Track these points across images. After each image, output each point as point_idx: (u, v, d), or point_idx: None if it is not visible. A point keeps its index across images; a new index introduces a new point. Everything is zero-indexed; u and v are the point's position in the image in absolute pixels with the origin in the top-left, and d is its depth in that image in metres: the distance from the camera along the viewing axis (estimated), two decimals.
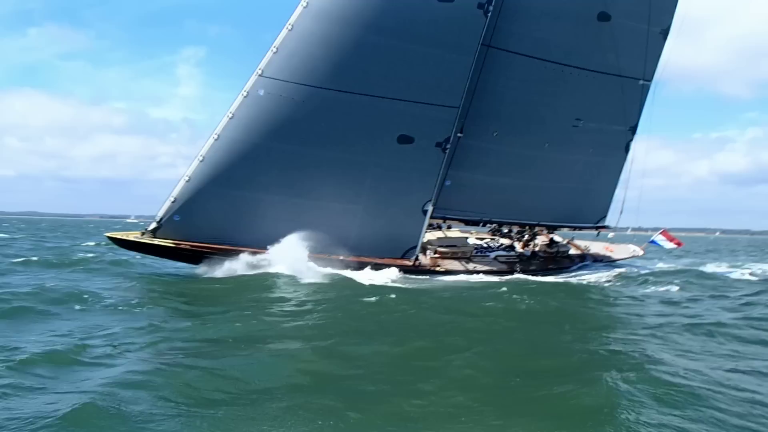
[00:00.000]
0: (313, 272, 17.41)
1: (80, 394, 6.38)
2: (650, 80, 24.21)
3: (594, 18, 22.07)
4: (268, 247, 17.93)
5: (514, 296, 15.55)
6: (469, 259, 22.17)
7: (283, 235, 18.43)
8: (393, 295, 14.19)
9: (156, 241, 18.20)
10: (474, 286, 18.72)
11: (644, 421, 6.00)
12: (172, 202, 18.00)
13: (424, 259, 21.24)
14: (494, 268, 22.13)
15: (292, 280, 16.48)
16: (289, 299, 13.78)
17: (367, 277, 18.29)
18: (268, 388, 6.96)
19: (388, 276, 18.98)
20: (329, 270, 18.21)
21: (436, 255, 21.64)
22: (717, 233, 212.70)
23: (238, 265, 17.74)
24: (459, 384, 7.34)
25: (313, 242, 18.19)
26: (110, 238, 18.96)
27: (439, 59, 18.95)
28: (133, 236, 18.47)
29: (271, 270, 17.51)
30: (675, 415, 6.23)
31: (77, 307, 12.19)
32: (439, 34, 18.72)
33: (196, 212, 18.05)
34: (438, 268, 21.06)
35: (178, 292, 15.02)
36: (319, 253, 18.36)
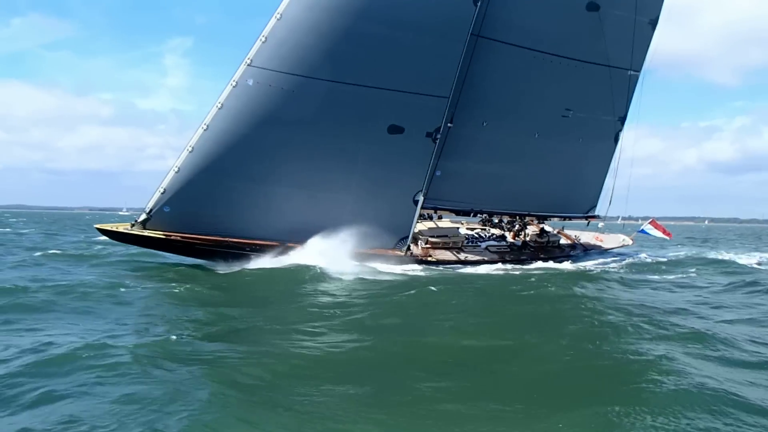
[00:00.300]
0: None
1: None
2: (639, 70, 24.36)
3: (583, 8, 22.13)
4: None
5: (548, 285, 15.79)
6: (460, 249, 22.22)
7: (273, 225, 18.42)
8: (433, 288, 14.02)
9: (146, 233, 18.10)
10: (493, 275, 18.99)
11: None
12: (162, 194, 17.89)
13: (416, 250, 21.26)
14: (485, 258, 22.19)
15: (320, 273, 16.45)
16: (327, 293, 13.66)
17: (377, 269, 18.44)
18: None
19: (396, 268, 19.07)
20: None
21: (428, 245, 21.66)
22: (706, 221, 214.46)
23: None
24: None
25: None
26: (100, 229, 18.84)
27: (429, 48, 18.93)
28: (123, 228, 18.38)
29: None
30: None
31: (125, 297, 12.55)
32: (429, 23, 18.69)
33: (185, 203, 17.94)
34: (429, 258, 21.09)
35: (215, 284, 15.23)
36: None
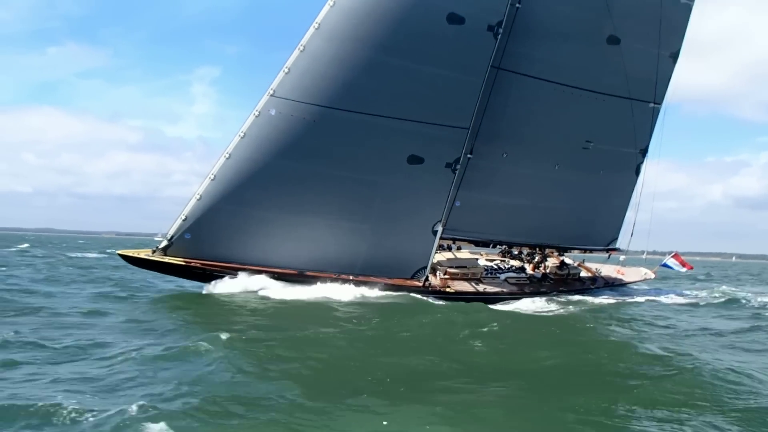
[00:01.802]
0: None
1: None
2: (660, 103, 24.28)
3: (603, 41, 22.22)
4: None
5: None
6: (479, 281, 22.05)
7: (292, 253, 18.52)
8: (495, 326, 13.58)
9: (167, 259, 18.30)
10: (540, 314, 18.44)
11: None
12: (183, 220, 18.13)
13: (434, 280, 21.15)
14: (504, 290, 22.00)
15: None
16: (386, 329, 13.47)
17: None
18: None
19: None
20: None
21: (446, 276, 21.55)
22: (733, 258, 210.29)
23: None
24: None
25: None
26: (122, 256, 19.08)
27: (449, 80, 19.09)
28: (144, 254, 18.59)
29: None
30: None
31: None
32: (450, 56, 18.88)
33: (206, 230, 18.15)
34: (448, 290, 20.96)
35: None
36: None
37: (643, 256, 28.62)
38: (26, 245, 66.32)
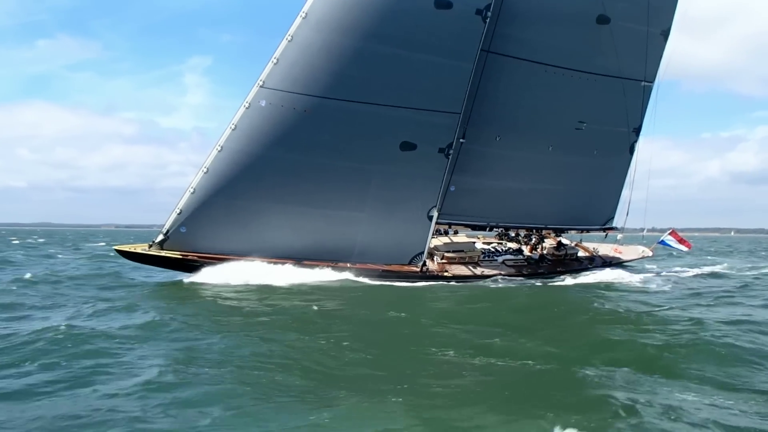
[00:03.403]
0: None
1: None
2: (652, 81, 24.26)
3: (593, 21, 22.18)
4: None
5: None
6: (476, 264, 22.17)
7: (289, 244, 18.61)
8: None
9: (164, 253, 18.41)
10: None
11: None
12: (178, 214, 18.22)
13: (432, 265, 21.27)
14: (502, 272, 22.11)
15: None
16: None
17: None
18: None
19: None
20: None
21: (444, 260, 21.66)
22: (732, 233, 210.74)
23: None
24: None
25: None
26: (119, 251, 19.19)
27: (439, 66, 19.10)
28: (140, 248, 18.70)
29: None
30: None
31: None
32: (438, 41, 18.88)
33: (201, 223, 18.25)
34: (446, 274, 21.09)
35: None
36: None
37: (643, 233, 28.71)
38: (40, 239, 67.82)
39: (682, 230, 31.22)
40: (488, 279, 21.11)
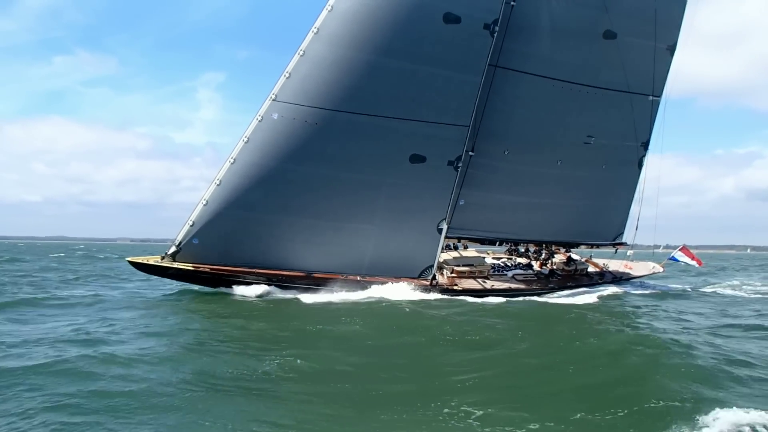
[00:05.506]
0: None
1: None
2: (660, 96, 24.42)
3: (599, 36, 22.45)
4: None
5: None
6: (486, 278, 22.16)
7: (299, 256, 18.72)
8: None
9: (176, 265, 18.55)
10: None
11: None
12: (191, 226, 18.41)
13: (441, 279, 21.29)
14: (512, 287, 22.08)
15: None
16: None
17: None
18: None
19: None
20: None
21: (453, 274, 21.68)
22: (748, 250, 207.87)
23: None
24: None
25: None
26: (132, 263, 19.35)
27: (448, 79, 19.35)
28: (153, 260, 18.86)
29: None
30: None
31: None
32: (447, 55, 19.15)
33: (214, 235, 18.41)
34: (455, 287, 21.08)
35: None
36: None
37: (655, 250, 28.55)
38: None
39: (697, 247, 31.09)
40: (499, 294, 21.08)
